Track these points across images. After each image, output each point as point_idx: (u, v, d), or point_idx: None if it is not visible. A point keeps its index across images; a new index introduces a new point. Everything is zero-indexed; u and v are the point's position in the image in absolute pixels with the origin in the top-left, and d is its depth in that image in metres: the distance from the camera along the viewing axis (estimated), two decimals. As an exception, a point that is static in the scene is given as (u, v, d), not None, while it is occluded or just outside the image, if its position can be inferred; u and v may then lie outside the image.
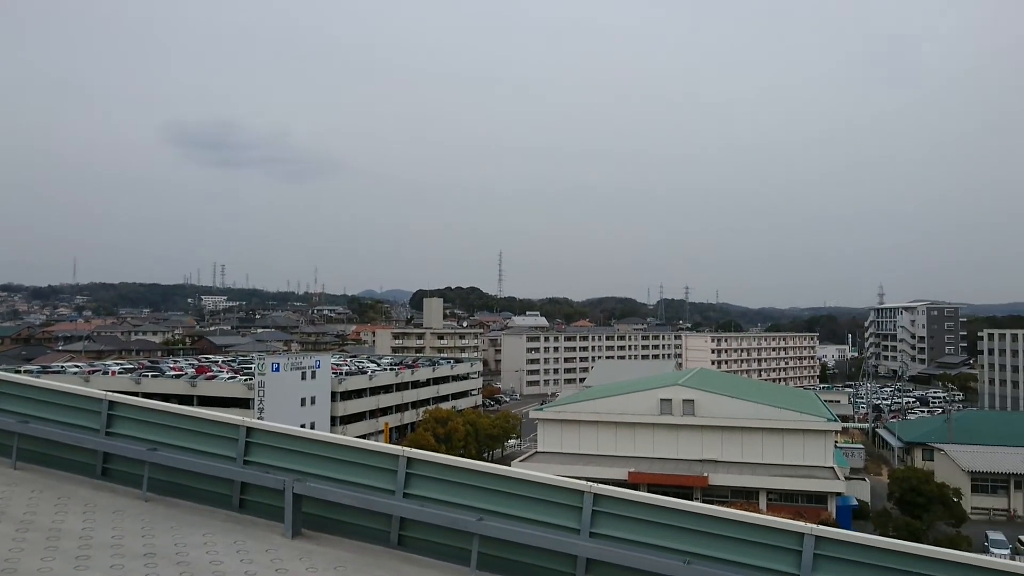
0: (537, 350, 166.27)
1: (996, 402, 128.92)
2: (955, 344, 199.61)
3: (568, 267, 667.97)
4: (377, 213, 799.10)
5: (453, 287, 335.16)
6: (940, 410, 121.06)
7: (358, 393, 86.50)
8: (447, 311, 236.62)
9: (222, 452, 10.38)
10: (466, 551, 8.85)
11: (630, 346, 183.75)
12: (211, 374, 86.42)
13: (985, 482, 65.74)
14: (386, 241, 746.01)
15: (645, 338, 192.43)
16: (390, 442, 73.89)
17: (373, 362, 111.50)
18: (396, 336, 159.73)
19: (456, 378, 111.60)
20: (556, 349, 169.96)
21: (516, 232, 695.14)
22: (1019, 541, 53.81)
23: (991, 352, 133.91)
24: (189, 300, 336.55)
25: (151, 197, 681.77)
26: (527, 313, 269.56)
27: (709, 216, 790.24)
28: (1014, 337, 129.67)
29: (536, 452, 64.61)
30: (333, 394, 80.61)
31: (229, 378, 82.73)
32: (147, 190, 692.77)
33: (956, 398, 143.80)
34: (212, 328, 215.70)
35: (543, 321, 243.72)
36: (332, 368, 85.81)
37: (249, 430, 10.39)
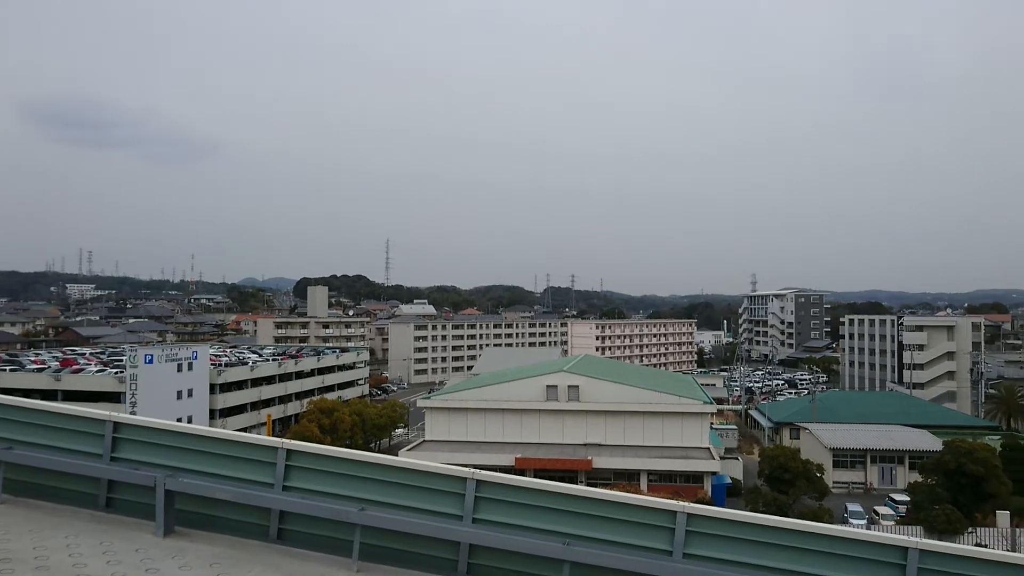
0: (425, 338, 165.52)
1: (856, 383, 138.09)
2: (820, 329, 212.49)
3: (456, 256, 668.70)
4: (258, 199, 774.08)
5: (339, 275, 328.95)
6: (806, 391, 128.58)
7: (239, 385, 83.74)
8: (333, 300, 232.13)
9: (87, 449, 9.84)
10: (349, 542, 8.75)
11: (517, 334, 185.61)
12: (77, 367, 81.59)
13: (845, 458, 70.45)
14: (268, 228, 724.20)
15: (532, 326, 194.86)
16: (273, 434, 71.97)
17: (255, 352, 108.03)
18: (279, 325, 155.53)
19: (342, 368, 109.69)
20: (444, 337, 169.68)
21: (404, 221, 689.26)
22: (875, 511, 58.04)
23: (851, 336, 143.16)
24: (52, 289, 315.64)
25: (8, 177, 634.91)
26: (415, 301, 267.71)
27: (594, 206, 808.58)
28: (871, 322, 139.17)
29: (424, 440, 64.50)
30: (212, 386, 77.63)
31: (98, 371, 78.39)
32: (3, 170, 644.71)
33: (820, 380, 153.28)
34: (79, 318, 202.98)
35: (431, 309, 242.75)
36: (211, 359, 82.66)
37: (116, 425, 9.89)
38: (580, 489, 8.84)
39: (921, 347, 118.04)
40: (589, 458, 58.60)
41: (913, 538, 8.37)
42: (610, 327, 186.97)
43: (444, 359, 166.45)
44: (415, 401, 76.42)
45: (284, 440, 9.49)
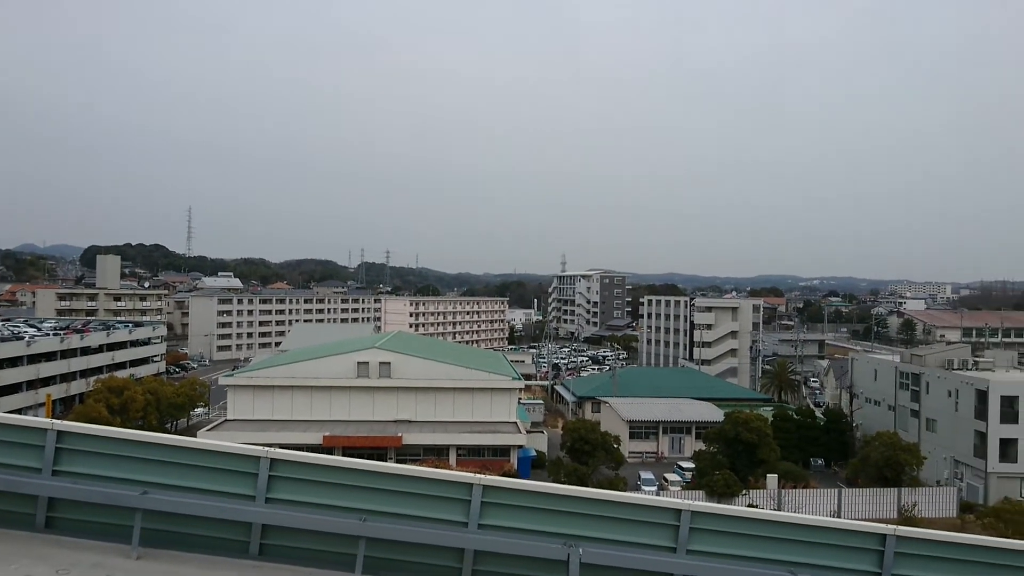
0: (229, 313, 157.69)
1: (653, 359, 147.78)
2: (622, 309, 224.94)
3: (266, 228, 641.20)
4: (39, 157, 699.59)
5: (134, 244, 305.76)
6: (608, 368, 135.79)
7: (12, 362, 76.03)
8: (126, 270, 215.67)
9: None
10: (130, 528, 8.22)
11: (329, 309, 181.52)
12: None
13: (640, 429, 75.33)
14: (51, 190, 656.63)
15: (345, 301, 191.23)
16: (53, 416, 66.00)
17: (33, 326, 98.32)
18: (62, 297, 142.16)
19: (135, 343, 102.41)
20: (250, 312, 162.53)
21: (210, 189, 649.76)
22: (664, 478, 62.60)
23: (649, 316, 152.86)
24: None
25: None
26: (219, 274, 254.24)
27: (411, 184, 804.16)
28: (667, 303, 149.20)
29: (225, 420, 61.74)
30: (-21, 363, 70.01)
31: None
32: None
33: (621, 356, 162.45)
34: None
35: (237, 283, 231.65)
36: (-22, 334, 74.39)
37: None
38: (378, 465, 8.82)
39: (709, 326, 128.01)
40: (399, 435, 58.67)
41: (686, 500, 9.11)
42: (424, 304, 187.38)
43: (250, 335, 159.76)
44: (217, 379, 72.70)
45: (55, 421, 8.72)
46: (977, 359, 72.91)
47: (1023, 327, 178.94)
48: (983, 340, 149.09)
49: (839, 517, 49.73)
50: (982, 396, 61.90)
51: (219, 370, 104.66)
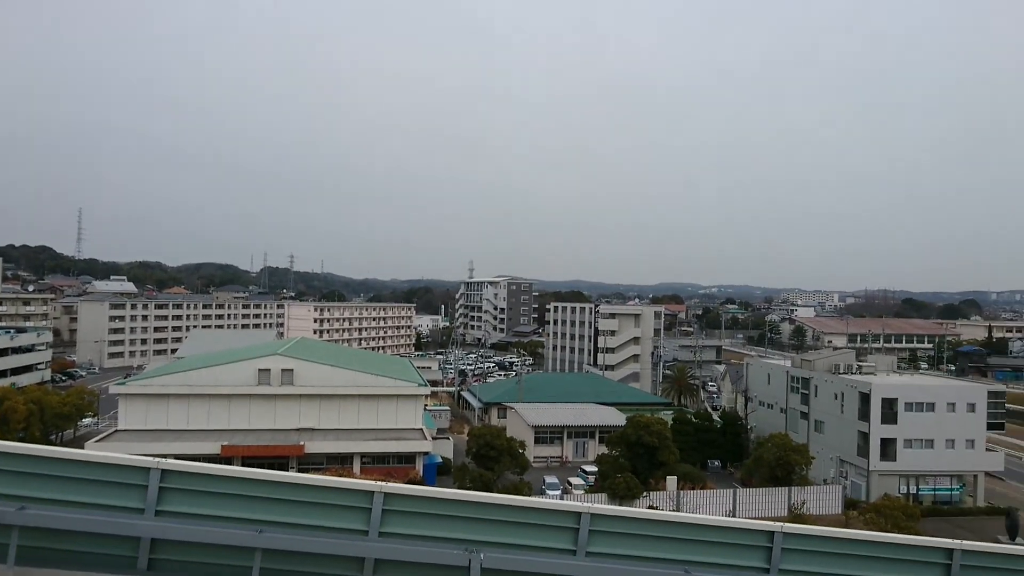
0: (122, 318, 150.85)
1: (558, 365, 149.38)
2: (528, 315, 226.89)
3: (163, 229, 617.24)
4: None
5: (17, 245, 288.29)
6: (515, 373, 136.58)
7: None
8: (9, 273, 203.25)
9: None
10: (5, 546, 7.76)
11: (230, 315, 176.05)
12: None
13: (545, 434, 76.05)
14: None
15: (247, 307, 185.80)
16: (-78, 428, 61.48)
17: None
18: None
19: (17, 351, 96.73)
20: (145, 318, 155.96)
21: (102, 188, 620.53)
22: (568, 482, 63.40)
23: (555, 322, 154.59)
24: None
25: None
26: (112, 278, 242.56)
27: (317, 188, 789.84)
28: (573, 309, 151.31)
29: (116, 431, 59.14)
30: None
31: None
32: None
33: (527, 362, 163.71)
34: None
35: (131, 287, 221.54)
36: None
37: None
38: (275, 474, 8.63)
39: (613, 332, 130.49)
40: (301, 443, 57.48)
41: (585, 503, 9.29)
42: (329, 310, 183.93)
43: (144, 341, 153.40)
44: (108, 387, 69.30)
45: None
46: (861, 363, 77.01)
47: (902, 333, 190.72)
48: (866, 345, 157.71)
49: (734, 516, 51.58)
50: (865, 399, 65.39)
51: (110, 378, 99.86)
